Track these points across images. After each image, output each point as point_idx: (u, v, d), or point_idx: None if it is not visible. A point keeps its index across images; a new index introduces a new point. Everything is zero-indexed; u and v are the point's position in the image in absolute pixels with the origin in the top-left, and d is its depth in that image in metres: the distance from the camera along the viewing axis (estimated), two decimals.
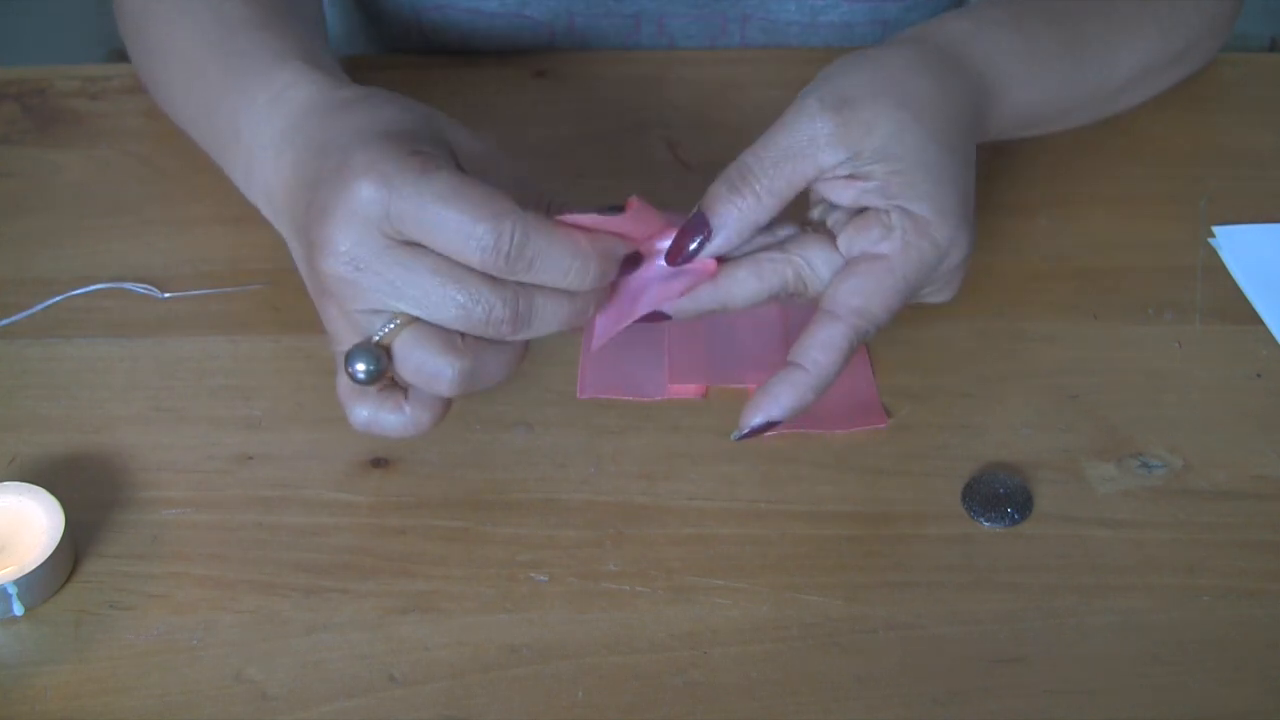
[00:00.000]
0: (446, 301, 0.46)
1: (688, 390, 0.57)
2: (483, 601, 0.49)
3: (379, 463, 0.54)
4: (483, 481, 0.53)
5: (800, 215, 0.54)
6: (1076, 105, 0.66)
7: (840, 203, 0.53)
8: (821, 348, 0.51)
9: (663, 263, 0.51)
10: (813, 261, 0.52)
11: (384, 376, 0.47)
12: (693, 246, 0.51)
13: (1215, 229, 0.66)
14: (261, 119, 0.54)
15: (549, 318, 0.47)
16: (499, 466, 0.54)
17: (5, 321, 0.60)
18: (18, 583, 0.48)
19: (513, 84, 0.76)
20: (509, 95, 0.75)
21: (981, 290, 0.62)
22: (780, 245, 0.52)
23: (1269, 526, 0.52)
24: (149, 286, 0.62)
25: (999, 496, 0.52)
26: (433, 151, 0.47)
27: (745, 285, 0.51)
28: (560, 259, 0.46)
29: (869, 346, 0.59)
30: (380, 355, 0.47)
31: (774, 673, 0.47)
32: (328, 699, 0.46)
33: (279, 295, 0.61)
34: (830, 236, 0.52)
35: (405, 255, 0.46)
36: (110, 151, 0.70)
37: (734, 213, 0.51)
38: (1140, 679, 0.47)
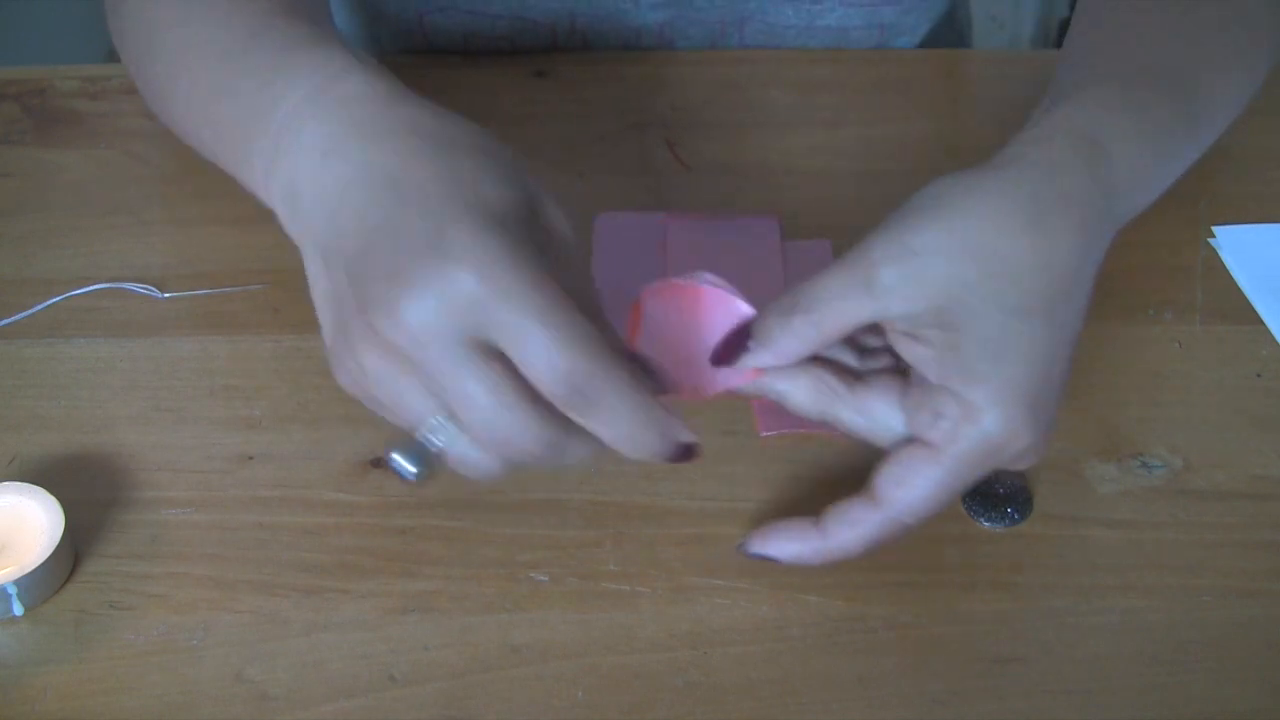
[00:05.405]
0: (491, 422, 0.42)
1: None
2: (483, 601, 0.49)
3: (379, 463, 0.54)
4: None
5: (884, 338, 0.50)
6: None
7: (905, 358, 0.48)
8: (850, 525, 0.47)
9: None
10: (873, 414, 0.48)
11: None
12: (736, 355, 0.48)
13: (1215, 229, 0.66)
14: (305, 107, 0.47)
15: (576, 457, 0.44)
16: None
17: (5, 321, 0.60)
18: (18, 583, 0.48)
19: (513, 84, 0.76)
20: (509, 95, 0.75)
21: None
22: (850, 387, 0.48)
23: (1269, 526, 0.52)
24: (149, 286, 0.62)
25: (999, 496, 0.52)
26: (533, 250, 0.43)
27: (797, 396, 0.49)
28: (621, 424, 0.43)
29: None
30: (430, 457, 0.44)
31: (774, 673, 0.47)
32: (328, 699, 0.46)
33: (279, 295, 0.61)
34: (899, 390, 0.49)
35: (469, 359, 0.42)
36: (110, 151, 0.70)
37: (778, 335, 0.47)
38: (1140, 679, 0.47)
